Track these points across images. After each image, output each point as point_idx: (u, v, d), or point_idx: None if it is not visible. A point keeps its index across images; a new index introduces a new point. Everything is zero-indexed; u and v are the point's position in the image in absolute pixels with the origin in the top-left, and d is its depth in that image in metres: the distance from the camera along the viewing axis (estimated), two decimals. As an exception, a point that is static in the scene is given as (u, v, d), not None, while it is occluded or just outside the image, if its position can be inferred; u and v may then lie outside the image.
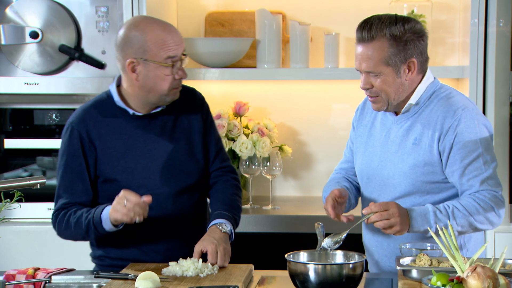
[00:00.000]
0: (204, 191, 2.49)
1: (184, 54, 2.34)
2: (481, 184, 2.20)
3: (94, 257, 2.45)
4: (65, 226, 2.33)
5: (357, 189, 2.49)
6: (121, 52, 2.32)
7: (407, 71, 2.23)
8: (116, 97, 2.38)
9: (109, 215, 2.22)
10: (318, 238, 2.18)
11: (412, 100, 2.28)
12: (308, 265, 2.02)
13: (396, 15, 2.25)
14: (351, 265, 2.02)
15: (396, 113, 2.34)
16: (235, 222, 2.39)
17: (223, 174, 2.50)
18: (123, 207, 2.18)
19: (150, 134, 2.37)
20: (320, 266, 2.01)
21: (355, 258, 2.09)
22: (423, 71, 2.29)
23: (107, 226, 2.25)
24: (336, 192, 2.26)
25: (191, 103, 2.47)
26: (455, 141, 2.21)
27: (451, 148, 2.22)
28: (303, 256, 2.13)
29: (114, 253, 2.38)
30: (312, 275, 2.00)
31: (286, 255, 2.08)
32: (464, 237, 2.32)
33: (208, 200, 2.52)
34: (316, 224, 2.20)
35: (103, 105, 2.40)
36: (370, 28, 2.20)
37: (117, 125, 2.36)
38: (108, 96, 2.41)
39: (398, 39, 2.19)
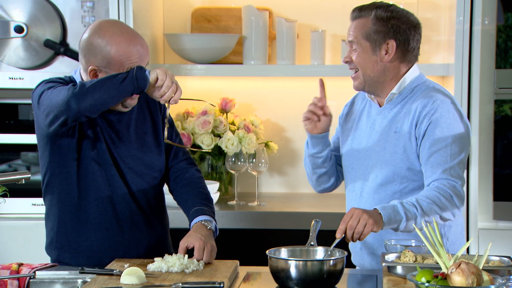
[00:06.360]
0: (163, 183, 2.48)
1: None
2: (442, 173, 2.26)
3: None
4: (91, 85, 2.16)
5: (337, 164, 2.56)
6: (84, 57, 2.29)
7: (384, 52, 2.33)
8: None
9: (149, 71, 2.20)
10: (311, 234, 2.20)
11: (395, 90, 2.37)
12: (289, 261, 2.02)
13: (393, 4, 2.37)
14: (331, 262, 2.03)
15: (381, 105, 2.41)
16: (214, 217, 2.40)
17: (187, 167, 2.49)
18: (170, 77, 2.19)
19: (115, 130, 2.36)
20: (300, 262, 2.01)
21: (336, 254, 2.10)
22: (407, 62, 2.37)
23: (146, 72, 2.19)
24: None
25: (149, 100, 2.43)
26: (428, 129, 2.29)
27: (424, 135, 2.30)
28: (284, 252, 2.14)
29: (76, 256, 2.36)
30: (293, 271, 2.01)
31: (267, 251, 2.09)
32: (444, 227, 2.36)
33: (166, 190, 2.50)
34: (313, 221, 2.23)
35: None
36: (361, 8, 2.37)
37: None
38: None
39: (382, 20, 2.32)
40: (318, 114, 2.42)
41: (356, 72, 2.37)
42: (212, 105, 2.51)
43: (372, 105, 2.44)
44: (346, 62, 2.39)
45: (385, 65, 2.34)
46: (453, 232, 2.39)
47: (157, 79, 2.19)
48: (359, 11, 2.36)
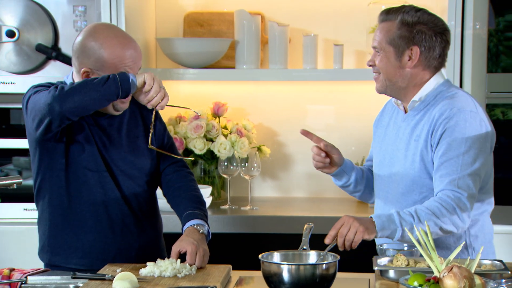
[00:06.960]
0: (155, 186, 2.48)
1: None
2: (449, 183, 2.20)
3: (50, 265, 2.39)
4: (71, 87, 2.16)
5: (371, 177, 2.54)
6: (77, 59, 2.29)
7: (408, 58, 2.29)
8: None
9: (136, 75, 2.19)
10: (303, 238, 2.20)
11: (416, 97, 2.33)
12: (282, 266, 2.02)
13: (422, 9, 2.32)
14: (324, 266, 2.03)
15: (406, 112, 2.39)
16: (207, 220, 2.39)
17: (179, 169, 2.49)
18: (158, 82, 2.18)
19: (106, 134, 2.36)
20: (293, 267, 2.02)
21: (329, 258, 2.10)
22: (430, 68, 2.32)
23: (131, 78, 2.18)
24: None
25: (141, 105, 2.39)
26: (442, 137, 2.24)
27: (438, 143, 2.25)
28: (276, 256, 2.14)
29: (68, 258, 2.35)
30: (285, 276, 2.01)
31: (260, 256, 2.09)
32: (470, 237, 2.32)
33: (160, 194, 2.50)
34: (306, 225, 2.22)
35: None
36: (388, 11, 2.32)
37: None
38: None
39: (407, 25, 2.27)
40: (326, 162, 2.41)
41: (378, 75, 2.34)
42: (197, 112, 2.51)
43: (399, 112, 2.41)
44: (370, 65, 2.36)
45: (408, 71, 2.29)
46: (480, 242, 2.33)
47: (144, 83, 2.18)
48: (386, 14, 2.32)
